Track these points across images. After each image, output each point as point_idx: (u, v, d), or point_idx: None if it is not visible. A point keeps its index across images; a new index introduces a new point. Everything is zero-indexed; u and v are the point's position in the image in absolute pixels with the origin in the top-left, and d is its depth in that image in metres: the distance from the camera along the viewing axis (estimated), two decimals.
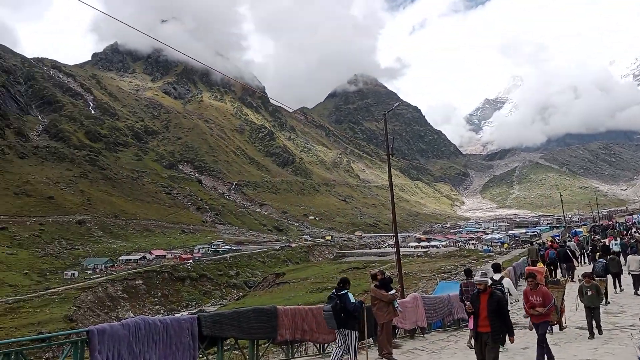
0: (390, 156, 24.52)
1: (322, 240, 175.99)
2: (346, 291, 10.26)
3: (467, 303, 9.55)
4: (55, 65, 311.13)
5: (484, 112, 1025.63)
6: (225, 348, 10.69)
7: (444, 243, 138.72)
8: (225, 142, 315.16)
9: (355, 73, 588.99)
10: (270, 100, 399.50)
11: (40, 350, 43.54)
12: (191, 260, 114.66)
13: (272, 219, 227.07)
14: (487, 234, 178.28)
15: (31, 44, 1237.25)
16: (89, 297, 78.58)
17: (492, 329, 8.72)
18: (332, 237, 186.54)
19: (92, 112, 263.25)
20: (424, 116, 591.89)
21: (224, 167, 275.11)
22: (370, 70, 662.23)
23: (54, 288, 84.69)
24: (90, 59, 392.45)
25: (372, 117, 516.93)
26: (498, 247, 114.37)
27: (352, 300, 10.17)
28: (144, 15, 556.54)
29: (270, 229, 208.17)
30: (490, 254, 76.91)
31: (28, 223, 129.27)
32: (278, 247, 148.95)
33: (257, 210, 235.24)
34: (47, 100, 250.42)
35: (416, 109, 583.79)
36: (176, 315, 16.34)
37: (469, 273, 14.58)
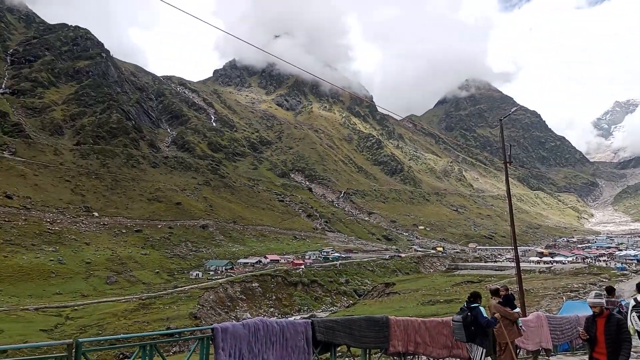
0: (508, 164, 23.11)
1: (433, 251, 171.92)
2: (478, 305, 10.08)
3: (580, 329, 8.65)
4: (182, 82, 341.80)
5: (614, 115, 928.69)
6: (338, 355, 10.76)
7: (569, 259, 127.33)
8: (334, 151, 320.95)
9: (466, 78, 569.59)
10: (378, 108, 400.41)
11: (169, 345, 47.47)
12: (303, 266, 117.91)
13: (381, 227, 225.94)
14: (621, 250, 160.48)
15: (161, 63, 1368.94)
16: (211, 297, 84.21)
17: (610, 357, 7.79)
18: (443, 248, 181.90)
19: (214, 124, 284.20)
20: (544, 121, 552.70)
21: (333, 175, 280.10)
22: (482, 74, 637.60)
23: (181, 287, 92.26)
24: (211, 75, 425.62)
25: (485, 123, 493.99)
26: (634, 264, 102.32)
27: (485, 315, 9.90)
28: (259, 32, 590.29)
29: (379, 237, 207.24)
30: (625, 272, 69.23)
31: (159, 226, 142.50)
32: (387, 256, 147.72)
33: (366, 218, 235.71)
34: (175, 114, 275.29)
35: (535, 114, 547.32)
36: (289, 318, 16.80)
37: (611, 291, 13.17)
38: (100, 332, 62.37)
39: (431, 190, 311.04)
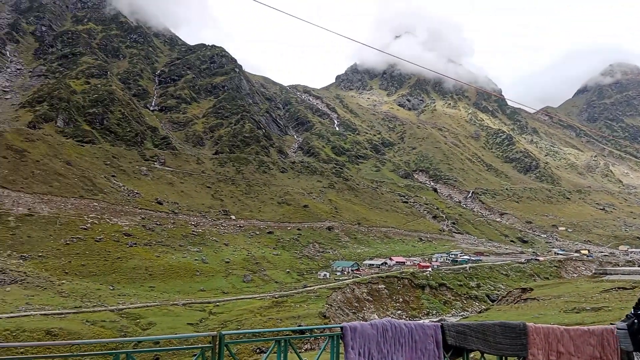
0: None
1: (576, 254, 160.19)
2: None
3: None
4: (306, 89, 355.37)
5: None
6: None
7: None
8: (460, 149, 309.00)
9: (610, 63, 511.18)
10: (508, 102, 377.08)
11: (301, 341, 49.51)
12: (430, 269, 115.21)
13: (515, 229, 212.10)
14: None
15: (286, 73, 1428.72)
16: (339, 297, 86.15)
17: None
18: (589, 251, 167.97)
19: (337, 128, 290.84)
20: None
21: (460, 174, 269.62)
22: (628, 57, 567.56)
23: (310, 286, 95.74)
24: (334, 80, 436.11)
25: (635, 112, 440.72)
26: None
27: None
28: (379, 34, 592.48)
29: (513, 239, 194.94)
30: None
31: (289, 228, 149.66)
32: (523, 259, 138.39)
33: (497, 219, 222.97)
34: (300, 121, 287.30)
35: None
36: (418, 321, 16.42)
37: None
38: (239, 326, 67.18)
39: (572, 187, 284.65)
